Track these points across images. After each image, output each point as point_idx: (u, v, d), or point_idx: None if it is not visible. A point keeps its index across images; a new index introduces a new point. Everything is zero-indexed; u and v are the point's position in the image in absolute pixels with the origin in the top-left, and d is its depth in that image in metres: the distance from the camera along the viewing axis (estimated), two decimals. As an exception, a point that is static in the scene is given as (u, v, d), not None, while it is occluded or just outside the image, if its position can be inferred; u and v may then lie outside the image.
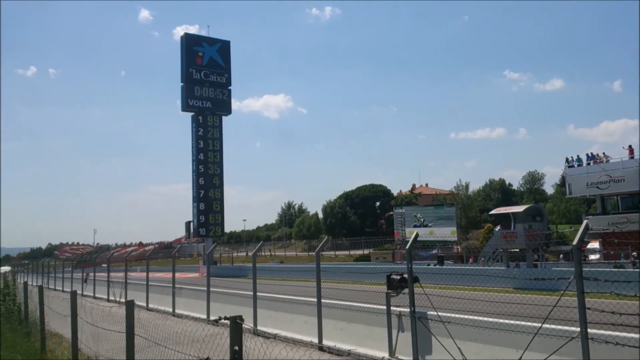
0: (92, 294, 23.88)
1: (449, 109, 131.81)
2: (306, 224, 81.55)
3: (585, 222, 6.77)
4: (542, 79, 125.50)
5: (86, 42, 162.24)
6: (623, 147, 35.95)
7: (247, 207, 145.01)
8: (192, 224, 48.81)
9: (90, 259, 45.54)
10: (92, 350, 8.53)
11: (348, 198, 77.70)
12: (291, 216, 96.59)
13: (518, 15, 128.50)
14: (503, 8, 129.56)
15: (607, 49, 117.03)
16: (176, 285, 16.68)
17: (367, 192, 77.84)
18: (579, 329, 5.58)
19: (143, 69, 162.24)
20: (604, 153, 36.55)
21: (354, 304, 9.80)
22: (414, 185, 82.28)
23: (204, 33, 52.69)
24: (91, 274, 27.33)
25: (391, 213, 66.54)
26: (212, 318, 12.92)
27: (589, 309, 5.53)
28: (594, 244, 35.78)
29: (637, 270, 22.71)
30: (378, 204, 78.19)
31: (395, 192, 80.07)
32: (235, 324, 4.07)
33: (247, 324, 7.19)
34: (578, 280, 5.62)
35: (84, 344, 8.53)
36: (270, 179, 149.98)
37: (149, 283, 18.59)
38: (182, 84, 48.18)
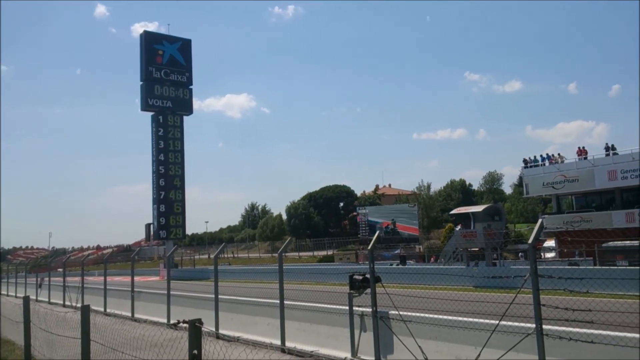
0: (47, 299, 23.09)
1: (412, 109, 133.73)
2: (270, 225, 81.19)
3: (540, 221, 6.96)
4: (501, 81, 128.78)
5: (39, 38, 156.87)
6: (579, 147, 37.18)
7: (209, 208, 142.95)
8: (152, 226, 47.87)
9: (45, 263, 44.11)
10: (45, 357, 8.23)
11: (312, 199, 77.78)
12: (255, 217, 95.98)
13: (478, 16, 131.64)
14: (464, 9, 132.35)
15: (562, 51, 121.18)
16: (135, 289, 16.29)
17: (330, 193, 78.12)
18: (534, 326, 5.71)
19: (100, 66, 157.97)
20: (559, 154, 37.79)
21: (317, 304, 9.79)
22: (377, 186, 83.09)
23: (163, 31, 51.86)
24: (46, 279, 26.43)
25: (355, 213, 67.06)
26: (172, 322, 12.68)
27: (544, 305, 5.67)
28: (550, 242, 36.92)
29: (590, 267, 23.53)
30: (342, 204, 78.58)
31: (358, 192, 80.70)
32: (194, 327, 4.00)
33: (208, 327, 7.08)
34: (533, 278, 5.76)
35: (37, 351, 8.22)
36: (233, 180, 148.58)
37: (107, 287, 18.11)
38: (141, 82, 47.22)
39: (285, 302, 9.79)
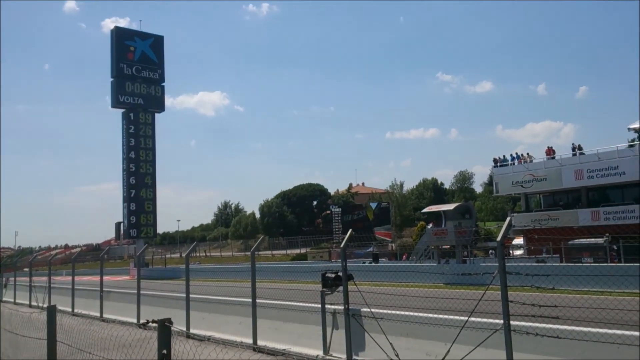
0: (12, 300, 22.48)
1: (386, 109, 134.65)
2: (243, 224, 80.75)
3: (508, 219, 7.08)
4: (472, 81, 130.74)
5: (6, 32, 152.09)
6: (548, 147, 38.01)
7: (181, 207, 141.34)
8: (122, 224, 47.10)
9: (11, 263, 42.90)
10: (10, 359, 8.01)
11: (285, 197, 77.63)
12: (227, 216, 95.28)
13: (451, 18, 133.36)
14: (436, 10, 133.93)
15: (532, 53, 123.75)
16: (104, 289, 16.00)
17: (304, 191, 78.11)
18: (502, 322, 5.82)
19: (69, 62, 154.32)
20: (527, 153, 38.57)
21: (289, 303, 9.78)
22: (350, 185, 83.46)
23: (135, 27, 50.88)
24: (11, 279, 25.71)
25: (328, 212, 67.21)
26: (142, 322, 12.49)
27: (511, 302, 5.79)
28: (519, 240, 37.67)
29: (557, 264, 24.10)
30: (315, 203, 78.64)
31: (332, 191, 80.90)
32: (164, 327, 3.95)
33: (179, 326, 7.00)
34: (501, 275, 5.87)
35: (2, 353, 8.00)
36: (206, 179, 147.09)
37: (75, 287, 17.72)
38: (112, 79, 46.38)
39: (257, 300, 9.75)
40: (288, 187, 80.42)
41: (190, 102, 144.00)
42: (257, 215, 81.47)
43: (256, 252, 10.37)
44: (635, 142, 34.17)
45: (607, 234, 29.98)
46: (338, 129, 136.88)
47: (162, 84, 48.46)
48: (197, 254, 66.03)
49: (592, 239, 30.07)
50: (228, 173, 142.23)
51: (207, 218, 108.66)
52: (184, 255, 13.66)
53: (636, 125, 35.48)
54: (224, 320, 10.87)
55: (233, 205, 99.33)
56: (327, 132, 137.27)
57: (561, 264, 25.18)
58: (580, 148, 35.78)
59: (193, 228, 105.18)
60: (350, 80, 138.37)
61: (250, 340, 9.62)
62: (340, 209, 61.88)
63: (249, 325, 9.65)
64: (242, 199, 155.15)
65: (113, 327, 11.51)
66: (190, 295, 11.69)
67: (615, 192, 34.91)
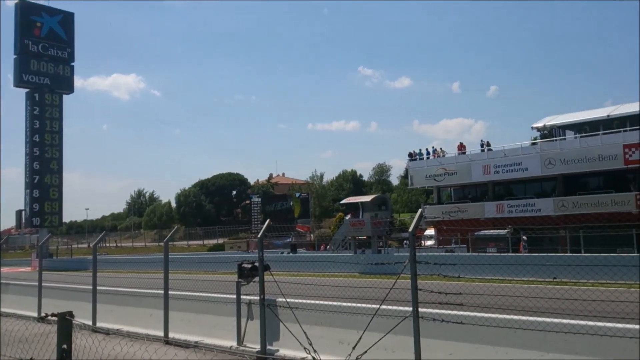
0: None
1: (308, 100, 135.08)
2: (157, 213, 78.16)
3: (419, 210, 7.37)
4: (392, 77, 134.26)
5: None
6: (460, 142, 39.97)
7: (90, 195, 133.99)
8: (24, 212, 44.05)
9: None
10: None
11: (204, 186, 76.06)
12: (141, 205, 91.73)
13: (373, 13, 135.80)
14: (360, 5, 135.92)
15: (447, 51, 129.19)
16: (2, 281, 14.85)
17: (223, 181, 76.91)
18: (411, 309, 6.05)
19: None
20: (440, 148, 40.39)
21: (203, 294, 9.59)
22: (270, 175, 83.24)
23: (43, 2, 47.37)
24: None
25: (248, 202, 66.63)
26: (41, 315, 11.74)
27: (420, 290, 6.02)
28: (431, 231, 39.44)
29: (463, 254, 25.51)
30: (235, 192, 77.70)
31: (252, 181, 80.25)
32: (64, 320, 3.72)
33: (84, 320, 6.63)
34: (412, 264, 6.09)
35: None
36: (118, 166, 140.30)
37: (-32, 279, 16.30)
38: (15, 56, 43.04)
39: (170, 292, 9.47)
40: (207, 176, 78.85)
41: (102, 84, 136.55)
42: (174, 204, 79.20)
43: (171, 243, 10.07)
44: (537, 140, 36.78)
45: (510, 226, 32.15)
46: (260, 118, 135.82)
47: (72, 63, 45.64)
48: (107, 244, 63.15)
49: (496, 230, 32.15)
50: (143, 160, 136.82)
51: (119, 207, 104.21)
52: (92, 245, 12.98)
53: (539, 125, 38.18)
54: (134, 313, 10.46)
55: (147, 194, 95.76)
56: (248, 121, 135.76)
57: (468, 253, 26.70)
58: (488, 144, 37.97)
59: (103, 217, 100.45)
60: (273, 70, 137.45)
61: (161, 333, 9.33)
62: (260, 199, 61.57)
63: (161, 317, 9.35)
64: (158, 188, 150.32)
65: (10, 321, 10.72)
66: (98, 287, 11.14)
67: (518, 186, 37.45)
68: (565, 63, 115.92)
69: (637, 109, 33.26)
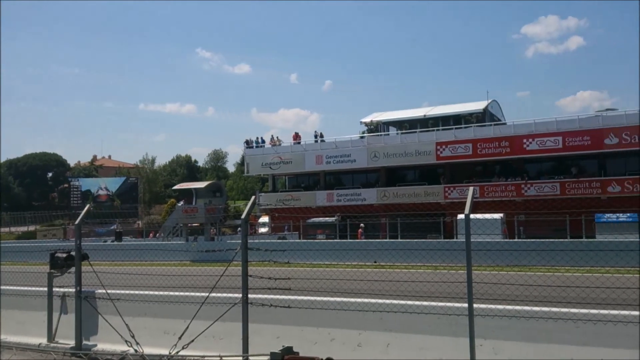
0: None
1: (139, 78, 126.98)
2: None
3: (253, 198, 7.40)
4: (232, 62, 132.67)
5: None
6: (295, 132, 41.10)
7: None
8: None
9: None
10: None
11: (12, 167, 67.40)
12: None
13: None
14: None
15: (287, 42, 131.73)
16: None
17: (36, 161, 69.02)
18: (241, 295, 6.05)
19: None
20: (277, 137, 41.17)
21: (8, 287, 8.51)
22: (94, 157, 76.94)
23: None
24: None
25: (66, 185, 60.77)
26: None
27: (251, 276, 6.05)
28: (265, 218, 40.14)
29: (295, 240, 26.43)
30: (50, 174, 70.23)
31: (72, 162, 73.29)
32: None
33: None
34: (243, 251, 6.09)
35: None
36: None
37: None
38: None
39: (-37, 286, 8.21)
40: (17, 156, 70.03)
41: None
42: (-26, 186, 68.89)
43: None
44: (365, 135, 39.54)
45: (338, 214, 34.17)
46: (83, 95, 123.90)
47: None
48: None
49: (325, 218, 33.95)
50: None
51: None
52: None
53: (367, 120, 41.03)
54: None
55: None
56: (70, 96, 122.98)
57: (299, 240, 27.74)
58: (322, 136, 39.76)
59: None
60: (100, 42, 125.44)
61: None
62: (81, 183, 56.58)
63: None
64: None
65: None
66: None
67: (347, 177, 39.94)
68: (394, 64, 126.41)
69: (448, 111, 37.75)
